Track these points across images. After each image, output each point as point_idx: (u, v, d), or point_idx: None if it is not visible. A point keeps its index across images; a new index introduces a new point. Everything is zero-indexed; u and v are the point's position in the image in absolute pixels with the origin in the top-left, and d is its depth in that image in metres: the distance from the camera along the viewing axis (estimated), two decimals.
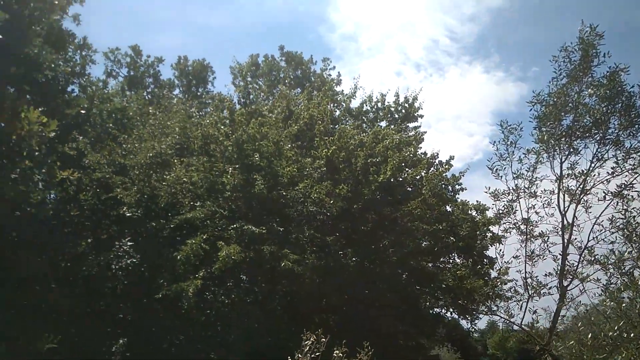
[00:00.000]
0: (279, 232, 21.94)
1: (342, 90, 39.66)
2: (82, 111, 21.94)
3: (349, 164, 24.36)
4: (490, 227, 26.04)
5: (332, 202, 22.92)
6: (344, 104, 33.87)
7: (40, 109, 16.49)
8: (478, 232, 26.98)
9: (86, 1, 22.42)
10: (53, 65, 20.51)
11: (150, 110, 28.30)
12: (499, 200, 19.47)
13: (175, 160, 23.74)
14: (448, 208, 27.99)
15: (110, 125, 25.10)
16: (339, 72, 42.95)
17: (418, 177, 26.09)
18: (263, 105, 29.78)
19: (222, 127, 25.34)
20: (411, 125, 32.33)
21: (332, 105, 30.79)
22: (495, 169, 19.01)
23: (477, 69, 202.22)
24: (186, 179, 22.70)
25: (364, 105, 33.01)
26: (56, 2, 24.60)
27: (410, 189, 26.42)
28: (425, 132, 30.47)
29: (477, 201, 28.42)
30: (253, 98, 39.43)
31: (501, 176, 19.05)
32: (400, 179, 25.88)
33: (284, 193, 22.92)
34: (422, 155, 28.28)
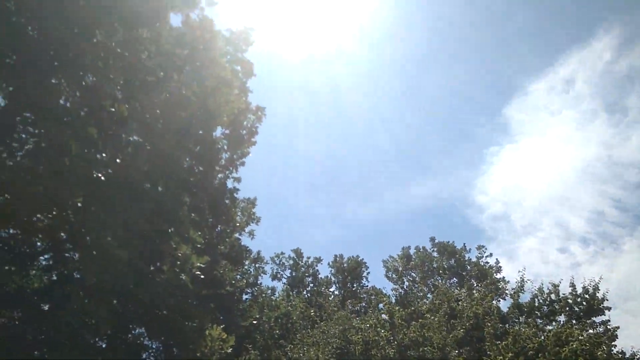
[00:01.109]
0: None
1: (504, 277, 36.89)
2: (254, 322, 23.72)
3: None
4: None
5: None
6: (509, 297, 31.09)
7: (221, 326, 18.15)
8: None
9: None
10: (233, 282, 23.29)
11: (312, 313, 29.19)
12: None
13: None
14: None
15: (277, 331, 26.39)
16: (497, 259, 40.96)
17: None
18: (422, 304, 28.74)
19: (382, 330, 24.74)
20: (598, 319, 27.79)
21: (497, 299, 28.43)
22: None
23: None
24: None
25: (535, 299, 29.86)
26: (238, 224, 29.09)
27: None
28: (618, 328, 25.69)
29: None
30: (408, 288, 38.63)
31: None
32: None
33: None
34: (620, 355, 23.36)
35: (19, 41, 14.17)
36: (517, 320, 28.74)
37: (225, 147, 26.40)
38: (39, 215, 14.17)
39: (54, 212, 12.05)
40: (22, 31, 14.73)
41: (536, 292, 30.24)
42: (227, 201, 25.92)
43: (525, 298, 30.79)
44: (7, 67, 14.87)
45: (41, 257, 17.34)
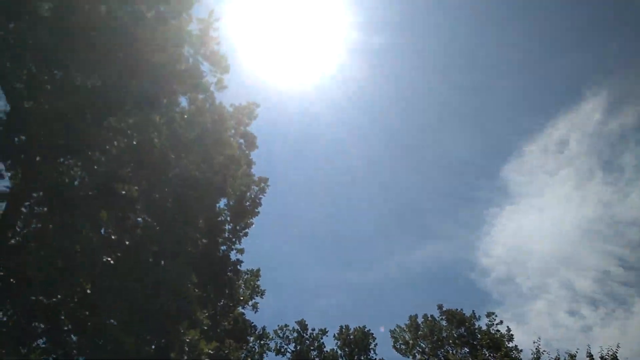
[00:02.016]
0: None
1: (516, 346, 35.51)
2: None
3: None
4: None
5: None
6: None
7: None
8: None
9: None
10: None
11: None
12: None
13: None
14: None
15: None
16: (508, 327, 39.59)
17: None
18: None
19: None
20: None
21: None
22: None
23: None
24: None
25: None
26: (242, 298, 28.40)
27: None
28: None
29: None
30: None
31: None
32: None
33: None
34: None
35: (30, 123, 14.59)
36: None
37: (229, 218, 26.44)
38: (41, 297, 13.87)
39: (58, 296, 11.80)
40: (34, 113, 15.22)
41: None
42: (230, 274, 25.53)
43: None
44: (17, 147, 15.22)
45: (40, 340, 16.76)
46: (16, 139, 15.61)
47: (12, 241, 15.26)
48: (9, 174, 17.35)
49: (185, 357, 10.22)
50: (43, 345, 17.21)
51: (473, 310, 44.20)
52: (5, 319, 16.10)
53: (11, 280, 13.13)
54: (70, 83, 12.96)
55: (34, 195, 14.94)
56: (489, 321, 40.72)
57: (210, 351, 10.43)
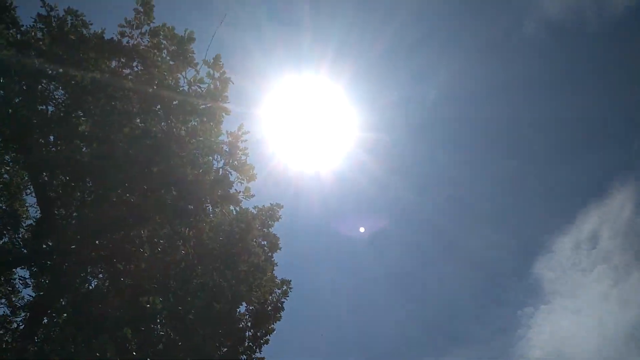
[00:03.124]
0: None
1: None
2: None
3: None
4: None
5: None
6: None
7: None
8: None
9: None
10: None
11: None
12: None
13: None
14: None
15: None
16: None
17: None
18: None
19: None
20: None
21: None
22: None
23: None
24: None
25: None
26: None
27: None
28: None
29: None
30: None
31: None
32: None
33: None
34: None
35: (59, 230, 14.90)
36: None
37: (249, 324, 25.47)
38: None
39: None
40: (63, 221, 15.61)
41: None
42: None
43: None
44: (44, 254, 15.39)
45: None
46: (44, 245, 15.89)
47: (32, 349, 14.84)
48: (32, 282, 17.42)
49: None
50: None
51: None
52: None
53: None
54: (101, 195, 13.43)
55: (56, 304, 14.81)
56: None
57: None
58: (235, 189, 12.92)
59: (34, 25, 14.90)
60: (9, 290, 16.63)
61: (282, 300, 25.60)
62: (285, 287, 25.96)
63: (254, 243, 13.32)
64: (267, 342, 25.10)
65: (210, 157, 13.45)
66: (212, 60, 13.58)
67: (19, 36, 14.72)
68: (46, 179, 16.40)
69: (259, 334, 24.72)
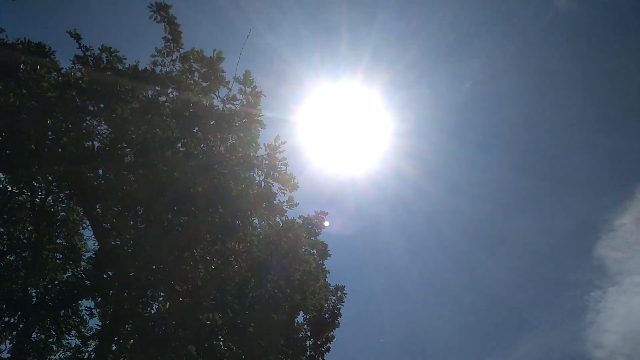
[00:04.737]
0: None
1: None
2: None
3: None
4: None
5: None
6: None
7: None
8: None
9: None
10: None
11: None
12: None
13: None
14: None
15: None
16: None
17: None
18: None
19: None
20: None
21: None
22: None
23: None
24: None
25: None
26: None
27: None
28: None
29: None
30: None
31: None
32: None
33: None
34: None
35: (116, 260, 15.44)
36: None
37: (309, 333, 25.48)
38: None
39: None
40: (120, 250, 16.17)
41: None
42: None
43: None
44: (106, 284, 16.00)
45: None
46: (105, 275, 16.53)
47: None
48: (98, 311, 18.16)
49: None
50: None
51: None
52: None
53: None
54: (152, 220, 13.87)
55: (122, 330, 15.33)
56: None
57: None
58: (279, 200, 13.02)
59: (72, 66, 15.63)
60: (77, 321, 17.38)
61: (339, 306, 25.50)
62: (340, 293, 25.87)
63: (304, 251, 13.32)
64: (328, 349, 25.02)
65: (251, 172, 13.63)
66: (242, 77, 13.79)
67: (60, 79, 15.47)
68: (99, 211, 17.10)
69: (319, 342, 24.69)
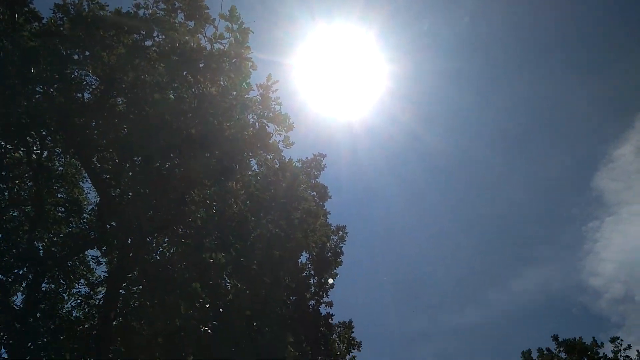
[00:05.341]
0: None
1: None
2: None
3: None
4: None
5: None
6: None
7: None
8: None
9: None
10: None
11: None
12: None
13: None
14: None
15: None
16: (638, 351, 34.86)
17: None
18: None
19: None
20: None
21: None
22: None
23: None
24: None
25: None
26: (338, 353, 27.48)
27: None
28: None
29: None
30: None
31: None
32: None
33: None
34: None
35: (118, 209, 15.58)
36: None
37: (312, 272, 26.19)
38: None
39: None
40: (121, 200, 16.27)
41: None
42: (323, 329, 24.94)
43: None
44: (108, 234, 16.25)
45: None
46: (108, 226, 16.75)
47: (115, 322, 16.00)
48: (106, 260, 18.56)
49: None
50: None
51: (593, 337, 39.64)
52: None
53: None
54: (150, 167, 13.82)
55: (129, 275, 15.72)
56: (615, 347, 36.25)
57: None
58: (275, 140, 12.90)
59: (53, 15, 15.04)
60: (84, 271, 17.80)
61: (340, 245, 26.10)
62: (341, 233, 26.36)
63: (302, 190, 13.38)
64: (332, 286, 25.85)
65: (245, 114, 13.42)
66: (228, 13, 13.28)
67: (40, 27, 14.94)
68: (97, 164, 17.05)
69: (322, 280, 25.46)
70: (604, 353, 37.10)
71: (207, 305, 10.47)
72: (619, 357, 35.39)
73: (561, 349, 38.35)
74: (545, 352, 38.79)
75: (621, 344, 35.77)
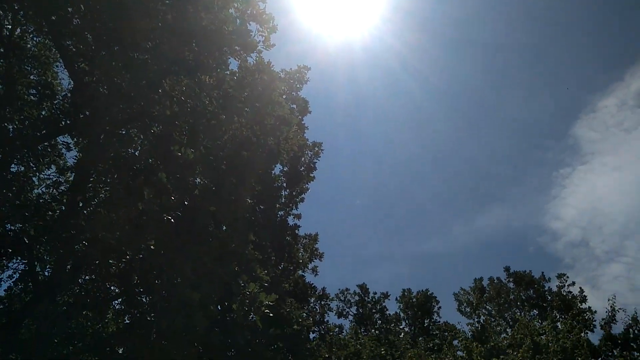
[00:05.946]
0: None
1: (590, 307, 33.96)
2: None
3: None
4: None
5: None
6: (599, 329, 28.42)
7: None
8: None
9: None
10: (300, 320, 22.98)
11: (383, 352, 28.08)
12: None
13: None
14: None
15: None
16: (580, 288, 37.73)
17: None
18: (502, 339, 26.82)
19: None
20: None
21: (585, 332, 26.04)
22: None
23: None
24: None
25: (630, 330, 27.03)
26: (301, 261, 28.90)
27: None
28: None
29: None
30: (484, 322, 36.34)
31: None
32: None
33: None
34: None
35: (91, 97, 15.24)
36: (610, 354, 26.12)
37: (285, 184, 26.73)
38: (111, 261, 14.81)
39: (127, 257, 12.49)
40: (94, 88, 15.86)
41: (630, 322, 27.47)
42: (289, 238, 25.99)
43: (617, 329, 28.04)
44: (80, 122, 16.02)
45: (114, 302, 18.07)
46: (81, 114, 16.46)
47: (85, 211, 16.33)
48: (77, 148, 18.48)
49: (246, 308, 10.54)
50: (118, 307, 18.55)
51: (542, 272, 42.52)
52: (84, 283, 17.46)
53: (87, 245, 14.08)
54: (126, 56, 13.35)
55: (100, 166, 15.78)
56: (560, 283, 39.11)
57: (270, 303, 10.67)
58: (255, 40, 12.47)
59: None
60: (55, 155, 17.76)
61: (314, 161, 26.45)
62: (317, 149, 26.61)
63: (277, 94, 13.23)
64: (302, 200, 26.58)
65: (227, 7, 12.81)
66: None
67: None
68: (73, 49, 16.34)
69: (294, 192, 26.07)
70: (549, 287, 40.03)
71: (172, 198, 10.69)
72: (562, 292, 38.26)
73: (510, 280, 41.14)
74: (495, 281, 41.59)
75: (566, 281, 38.59)
